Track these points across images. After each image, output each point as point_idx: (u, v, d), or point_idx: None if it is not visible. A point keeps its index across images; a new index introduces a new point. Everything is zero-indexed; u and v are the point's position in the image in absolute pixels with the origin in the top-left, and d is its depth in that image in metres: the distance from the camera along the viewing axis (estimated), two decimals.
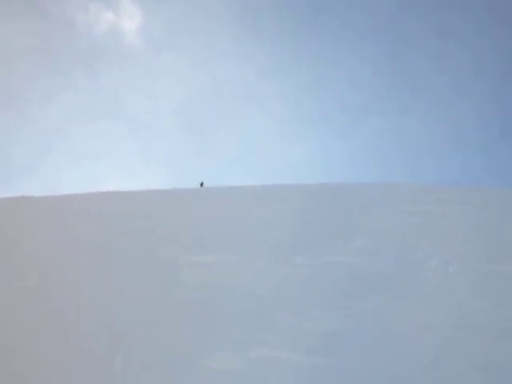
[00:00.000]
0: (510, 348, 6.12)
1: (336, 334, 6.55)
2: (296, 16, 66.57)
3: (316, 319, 6.95)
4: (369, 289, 8.04)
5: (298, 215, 13.35)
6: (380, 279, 8.49)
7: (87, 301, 7.80)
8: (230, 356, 6.03)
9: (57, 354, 6.15)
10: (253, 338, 6.42)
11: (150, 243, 10.96)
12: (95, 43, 64.29)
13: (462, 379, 5.49)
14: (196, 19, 66.70)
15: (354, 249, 10.13)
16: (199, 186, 24.28)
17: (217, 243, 10.84)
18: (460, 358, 5.91)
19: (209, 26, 62.55)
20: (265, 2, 63.76)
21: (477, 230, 11.12)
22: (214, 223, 12.76)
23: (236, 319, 7.05)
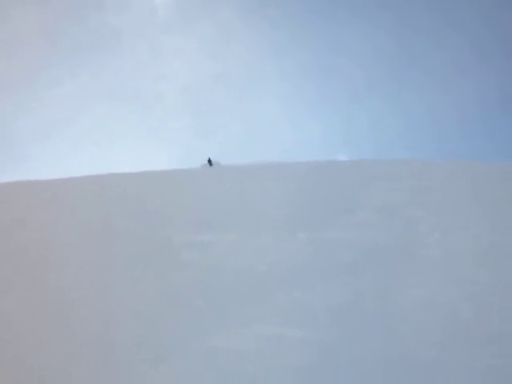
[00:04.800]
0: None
1: (338, 308, 6.53)
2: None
3: (318, 294, 6.96)
4: (370, 264, 8.01)
5: (298, 192, 13.25)
6: (381, 254, 8.45)
7: (85, 283, 7.78)
8: (231, 334, 6.02)
9: (56, 336, 6.14)
10: (254, 316, 6.41)
11: (147, 224, 10.91)
12: (102, 25, 63.76)
13: (463, 355, 5.46)
14: (204, 2, 66.19)
15: (355, 224, 10.08)
16: (207, 162, 23.72)
17: (216, 222, 10.78)
18: (462, 332, 5.89)
19: (217, 10, 62.04)
20: None
21: (479, 204, 11.04)
22: (214, 202, 12.69)
23: (237, 297, 7.04)
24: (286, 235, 9.59)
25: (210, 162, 23.65)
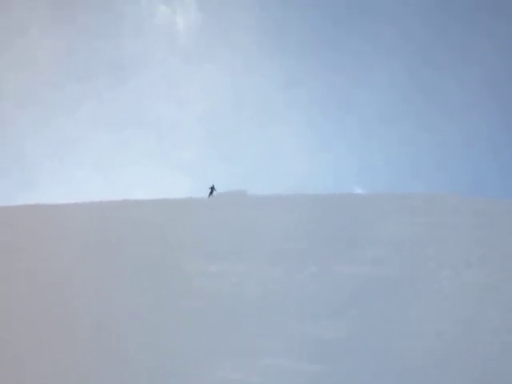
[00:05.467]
0: None
1: (346, 342, 6.52)
2: (319, 31, 67.02)
3: (325, 328, 6.94)
4: (377, 298, 7.99)
5: (309, 225, 13.31)
6: (389, 289, 8.43)
7: (97, 308, 7.85)
8: (238, 365, 6.02)
9: (64, 362, 6.17)
10: (262, 348, 6.41)
11: (159, 251, 11.01)
12: (121, 50, 65.07)
13: None
14: (223, 31, 67.43)
15: (365, 258, 10.08)
16: (209, 190, 23.52)
17: (227, 252, 10.84)
18: (467, 366, 5.84)
19: (235, 38, 63.22)
20: (291, 18, 64.31)
21: (491, 240, 10.99)
22: (225, 232, 12.78)
23: (245, 328, 7.06)
24: (296, 268, 9.61)
25: (212, 190, 23.53)
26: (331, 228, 12.83)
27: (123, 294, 8.47)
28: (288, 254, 10.57)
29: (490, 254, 10.06)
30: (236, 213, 15.88)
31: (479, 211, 14.18)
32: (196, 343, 6.60)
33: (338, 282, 8.83)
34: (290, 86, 64.69)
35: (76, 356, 6.27)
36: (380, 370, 5.86)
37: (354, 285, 8.63)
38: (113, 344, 6.62)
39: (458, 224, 12.62)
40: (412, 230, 12.20)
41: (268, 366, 5.97)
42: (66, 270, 9.75)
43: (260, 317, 7.45)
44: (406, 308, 7.61)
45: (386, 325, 7.02)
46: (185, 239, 12.18)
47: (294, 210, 15.29)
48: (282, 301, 8.04)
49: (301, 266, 9.72)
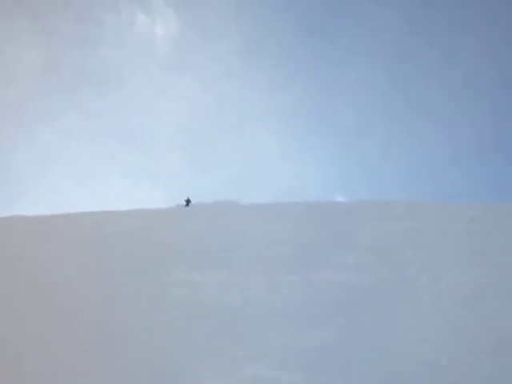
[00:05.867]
0: (503, 360, 6.07)
1: (328, 350, 6.48)
2: (300, 37, 67.53)
3: (307, 337, 6.90)
4: (361, 305, 7.99)
5: (293, 233, 13.29)
6: (372, 295, 8.42)
7: (77, 317, 7.77)
8: (220, 374, 5.97)
9: (58, 369, 6.08)
10: (243, 357, 6.35)
11: (139, 262, 10.94)
12: (98, 61, 64.94)
13: None
14: (202, 39, 67.55)
15: (346, 265, 10.08)
16: (185, 203, 23.42)
17: (208, 261, 10.79)
18: (453, 372, 5.83)
19: (215, 46, 63.38)
20: (270, 24, 64.77)
21: (469, 246, 11.08)
22: (205, 242, 12.69)
23: (226, 337, 7.00)
24: (278, 276, 9.56)
25: (187, 202, 23.39)
26: (312, 236, 12.82)
27: (104, 304, 8.37)
28: (270, 262, 10.51)
29: (473, 258, 10.13)
30: (218, 222, 15.82)
31: (462, 217, 14.30)
32: (177, 352, 6.55)
33: (320, 290, 8.78)
34: (271, 92, 64.99)
35: (65, 364, 6.18)
36: (365, 379, 5.83)
37: (337, 292, 8.60)
38: (98, 354, 6.55)
39: (439, 230, 12.71)
40: (393, 237, 12.24)
41: (250, 375, 5.92)
42: (50, 280, 9.66)
43: (242, 325, 7.40)
44: (391, 315, 7.61)
45: (370, 333, 7.01)
46: (166, 249, 12.10)
47: (275, 218, 15.27)
48: (265, 309, 7.99)
49: (283, 273, 9.67)
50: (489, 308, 7.68)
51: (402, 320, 7.37)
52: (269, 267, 10.13)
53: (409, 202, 18.43)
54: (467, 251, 10.61)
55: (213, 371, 6.01)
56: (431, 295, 8.34)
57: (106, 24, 62.22)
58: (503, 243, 11.23)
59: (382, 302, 8.08)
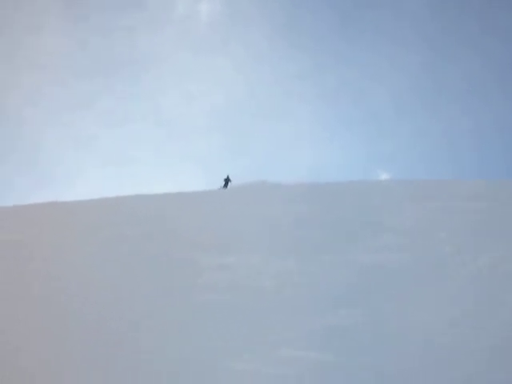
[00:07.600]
0: None
1: (364, 332, 6.49)
2: (329, 24, 66.87)
3: (343, 318, 6.91)
4: (394, 286, 7.97)
5: (325, 214, 13.26)
6: (405, 276, 8.39)
7: (109, 305, 7.89)
8: (258, 357, 6.02)
9: (74, 359, 6.23)
10: (280, 339, 6.40)
11: (172, 246, 11.03)
12: (131, 46, 65.19)
13: (481, 377, 5.40)
14: (234, 24, 67.37)
15: (379, 246, 10.03)
16: (223, 182, 23.21)
17: (240, 244, 10.83)
18: (482, 355, 5.81)
19: (246, 31, 63.23)
20: (301, 11, 64.14)
21: (500, 224, 10.89)
22: (238, 224, 12.76)
23: (261, 320, 7.04)
24: (310, 258, 9.59)
25: (227, 181, 23.17)
26: (345, 217, 12.78)
27: (137, 289, 8.50)
28: (302, 243, 10.56)
29: (506, 237, 9.98)
30: (247, 204, 15.88)
31: (493, 195, 14.04)
32: (211, 336, 6.61)
33: (353, 271, 8.78)
34: (299, 76, 64.52)
35: (84, 355, 6.32)
36: (398, 359, 5.86)
37: (370, 274, 8.59)
38: (126, 339, 6.64)
39: (470, 209, 12.53)
40: (424, 217, 12.14)
41: (285, 357, 5.97)
42: (82, 266, 9.82)
43: (275, 308, 7.44)
44: (422, 295, 7.57)
45: (402, 314, 6.99)
46: (196, 232, 12.20)
47: (308, 199, 15.24)
48: (297, 291, 8.02)
49: (315, 255, 9.70)
50: None
51: (436, 300, 7.33)
52: (300, 249, 10.17)
53: (438, 180, 18.21)
54: (498, 231, 10.46)
55: (247, 353, 6.08)
56: (466, 275, 8.28)
57: (144, 8, 61.91)
58: None
59: (415, 283, 8.04)
